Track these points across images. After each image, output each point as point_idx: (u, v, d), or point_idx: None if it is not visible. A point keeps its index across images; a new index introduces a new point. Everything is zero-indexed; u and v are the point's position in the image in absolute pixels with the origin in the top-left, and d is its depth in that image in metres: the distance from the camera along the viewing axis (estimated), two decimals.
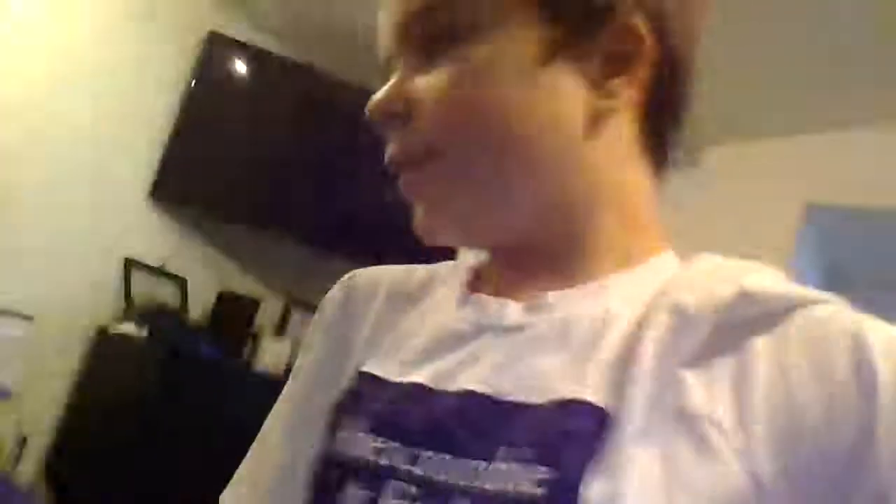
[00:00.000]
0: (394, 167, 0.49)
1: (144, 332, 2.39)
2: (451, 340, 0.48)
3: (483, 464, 0.40)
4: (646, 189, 0.50)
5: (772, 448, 0.37)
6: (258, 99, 2.77)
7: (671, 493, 0.37)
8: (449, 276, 0.55)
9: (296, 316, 2.83)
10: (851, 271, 2.72)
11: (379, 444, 0.44)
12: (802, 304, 0.41)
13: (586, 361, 0.43)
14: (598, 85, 0.46)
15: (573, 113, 0.46)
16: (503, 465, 0.40)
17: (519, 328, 0.47)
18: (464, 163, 0.47)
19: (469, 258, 0.56)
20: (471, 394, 0.44)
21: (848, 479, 0.36)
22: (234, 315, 2.68)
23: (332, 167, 2.69)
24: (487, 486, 0.40)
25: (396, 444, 0.44)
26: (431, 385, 0.46)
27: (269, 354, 2.55)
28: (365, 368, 0.50)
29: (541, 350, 0.45)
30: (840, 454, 0.36)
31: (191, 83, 2.67)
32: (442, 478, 0.41)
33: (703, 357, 0.41)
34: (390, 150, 0.49)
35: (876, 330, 0.39)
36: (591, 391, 0.41)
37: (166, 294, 2.62)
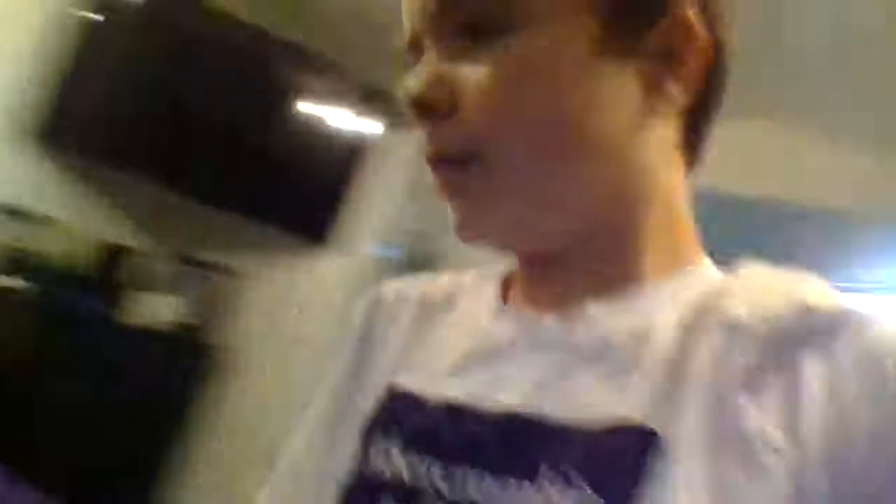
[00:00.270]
0: (432, 162, 0.45)
1: (23, 284, 2.36)
2: (488, 355, 0.47)
3: (525, 483, 0.39)
4: (685, 191, 0.48)
5: (825, 471, 0.35)
6: (150, 44, 2.62)
7: None
8: (477, 286, 0.54)
9: (184, 271, 2.76)
10: (718, 259, 2.88)
11: (414, 462, 0.43)
12: (858, 322, 0.39)
13: (632, 379, 0.41)
14: (652, 82, 0.44)
15: (626, 112, 0.44)
16: (546, 486, 0.39)
17: (559, 343, 0.45)
18: (514, 163, 0.43)
19: (488, 264, 0.55)
20: (512, 413, 0.43)
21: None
22: (119, 268, 2.59)
23: (230, 123, 2.58)
24: None
25: (432, 462, 0.43)
26: (469, 402, 0.44)
27: (156, 309, 2.49)
28: (397, 384, 0.49)
29: (583, 366, 0.43)
30: (881, 479, 0.35)
31: (77, 21, 2.49)
32: (480, 497, 0.40)
33: (756, 374, 0.39)
34: (430, 144, 0.44)
35: None
36: (639, 411, 0.39)
37: (47, 244, 2.49)
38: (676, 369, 0.40)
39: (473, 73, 0.42)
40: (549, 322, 0.45)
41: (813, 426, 0.36)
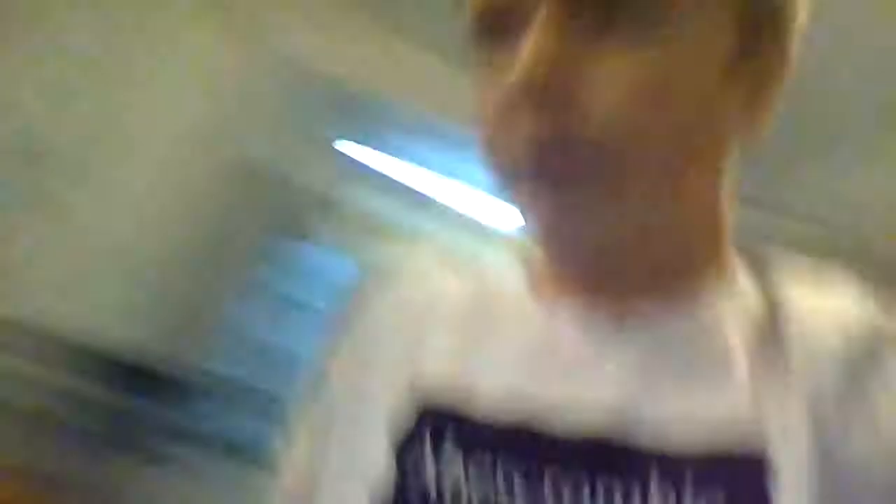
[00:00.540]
0: (535, 146, 0.39)
1: None
2: (551, 364, 0.43)
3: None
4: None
5: (886, 489, 0.36)
6: None
7: None
8: (507, 284, 0.49)
9: None
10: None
11: (479, 483, 0.40)
12: None
13: (718, 397, 0.39)
14: (748, 105, 0.42)
15: (727, 133, 0.43)
16: None
17: (628, 349, 0.42)
18: (633, 165, 0.39)
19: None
20: (603, 440, 0.39)
21: None
22: None
23: None
24: None
25: (504, 488, 0.39)
26: (539, 422, 0.41)
27: None
28: (440, 395, 0.44)
29: (662, 379, 0.41)
30: None
31: None
32: None
33: (839, 396, 0.38)
34: (536, 127, 0.38)
35: None
36: (739, 434, 0.38)
37: None
38: (768, 387, 0.39)
39: (611, 63, 0.38)
40: (612, 327, 0.43)
41: (882, 448, 0.37)
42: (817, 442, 0.37)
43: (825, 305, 0.43)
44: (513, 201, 0.43)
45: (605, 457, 0.39)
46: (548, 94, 0.37)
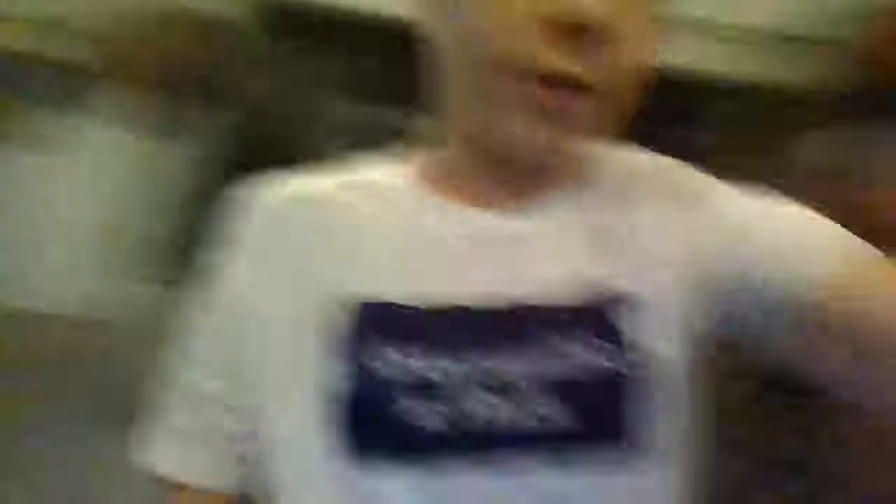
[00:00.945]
0: (561, 79, 0.46)
1: None
2: (466, 256, 0.52)
3: (554, 359, 0.47)
4: None
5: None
6: None
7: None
8: (392, 185, 0.57)
9: None
10: None
11: (435, 363, 0.47)
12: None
13: (599, 252, 0.52)
14: None
15: None
16: (573, 350, 0.47)
17: (524, 235, 0.53)
18: (621, 105, 0.50)
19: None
20: (519, 304, 0.49)
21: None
22: None
23: None
24: (569, 373, 0.47)
25: (457, 362, 0.47)
26: (469, 303, 0.49)
27: None
28: (369, 292, 0.50)
29: (557, 251, 0.52)
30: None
31: None
32: (517, 379, 0.46)
33: (653, 208, 0.54)
34: (570, 65, 0.46)
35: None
36: (612, 279, 0.50)
37: None
38: (625, 235, 0.53)
39: (641, 23, 0.47)
40: (511, 216, 0.53)
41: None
42: (674, 266, 0.52)
43: (643, 163, 0.57)
44: (490, 95, 0.49)
45: (515, 320, 0.49)
46: (594, 40, 0.45)
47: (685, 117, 1.86)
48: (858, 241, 0.50)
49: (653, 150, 0.58)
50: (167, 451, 0.56)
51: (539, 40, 0.46)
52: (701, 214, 0.53)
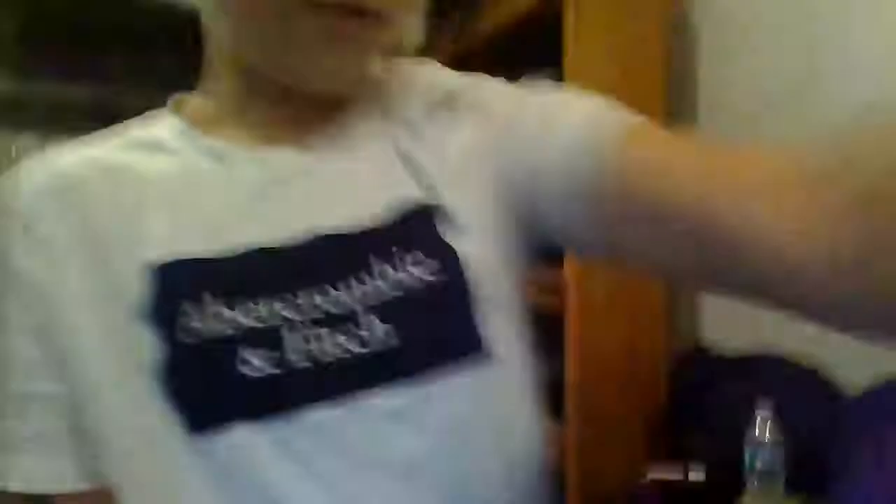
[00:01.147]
0: (346, 11, 0.46)
1: None
2: (260, 194, 0.50)
3: (367, 277, 0.46)
4: None
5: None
6: None
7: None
8: (167, 137, 0.53)
9: None
10: None
11: (251, 308, 0.45)
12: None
13: (387, 171, 0.52)
14: None
15: None
16: (386, 271, 0.47)
17: (319, 166, 0.51)
18: (397, 32, 0.51)
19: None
20: (314, 234, 0.48)
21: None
22: None
23: None
24: (383, 291, 0.46)
25: (266, 300, 0.45)
26: (269, 243, 0.47)
27: None
28: (160, 256, 0.47)
29: (345, 177, 0.51)
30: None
31: None
32: (332, 306, 0.45)
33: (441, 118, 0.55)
34: None
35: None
36: (404, 194, 0.50)
37: None
38: (406, 154, 0.52)
39: None
40: (301, 150, 0.52)
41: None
42: (435, 181, 0.51)
43: (407, 75, 0.57)
44: (292, 33, 0.47)
45: (322, 251, 0.47)
46: None
47: None
48: (621, 112, 0.50)
49: None
50: (22, 464, 0.50)
51: None
52: (488, 120, 0.54)
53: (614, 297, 1.53)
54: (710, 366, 1.55)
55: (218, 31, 0.53)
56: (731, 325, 1.55)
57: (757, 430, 1.16)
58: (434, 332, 0.47)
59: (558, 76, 1.55)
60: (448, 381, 0.46)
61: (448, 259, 0.48)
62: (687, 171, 0.43)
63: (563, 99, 0.53)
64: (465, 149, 0.53)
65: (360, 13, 0.47)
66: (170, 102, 0.57)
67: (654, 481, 1.33)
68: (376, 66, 0.52)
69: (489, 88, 0.57)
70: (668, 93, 1.66)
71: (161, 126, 0.55)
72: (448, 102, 0.55)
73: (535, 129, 0.51)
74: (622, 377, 1.53)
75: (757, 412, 1.17)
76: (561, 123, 0.50)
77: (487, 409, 0.48)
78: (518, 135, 0.52)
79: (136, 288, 0.46)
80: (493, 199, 0.52)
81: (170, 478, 0.45)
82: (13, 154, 2.44)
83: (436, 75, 0.58)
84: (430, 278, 0.47)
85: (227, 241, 0.47)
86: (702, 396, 1.48)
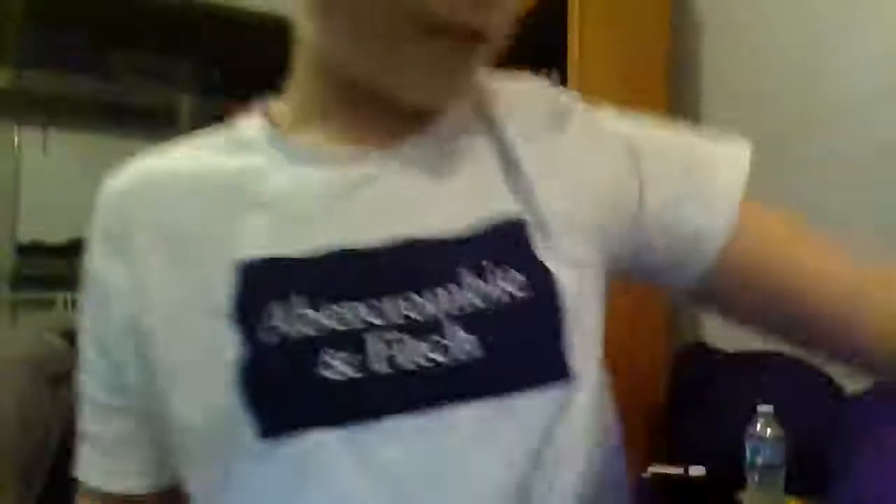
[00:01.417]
0: (462, 34, 0.47)
1: None
2: (345, 195, 0.49)
3: (453, 288, 0.46)
4: None
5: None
6: None
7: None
8: (255, 138, 0.54)
9: None
10: None
11: (336, 310, 0.45)
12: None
13: (486, 182, 0.51)
14: None
15: None
16: (477, 284, 0.46)
17: (410, 171, 0.50)
18: (492, 56, 0.51)
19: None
20: (406, 238, 0.47)
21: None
22: None
23: None
24: (472, 303, 0.45)
25: (353, 305, 0.45)
26: (353, 245, 0.47)
27: None
28: (251, 256, 0.47)
29: (440, 184, 0.50)
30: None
31: None
32: (418, 314, 0.45)
33: (548, 144, 0.54)
34: (473, 19, 0.46)
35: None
36: (502, 208, 0.50)
37: None
38: (511, 164, 0.52)
39: None
40: (387, 154, 0.51)
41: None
42: (539, 201, 0.50)
43: (519, 91, 0.57)
44: (397, 50, 0.47)
45: (407, 255, 0.47)
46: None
47: None
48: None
49: None
50: (91, 462, 0.54)
51: None
52: (598, 143, 0.55)
53: (616, 293, 1.53)
54: (712, 362, 1.55)
55: (317, 42, 0.52)
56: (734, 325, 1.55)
57: (758, 426, 1.16)
58: (519, 348, 0.46)
59: (561, 73, 1.55)
60: (530, 397, 0.45)
61: (539, 276, 0.47)
62: (829, 279, 0.52)
63: (704, 155, 0.56)
64: (576, 168, 0.53)
65: (472, 37, 0.47)
66: (257, 106, 0.57)
67: (654, 476, 1.34)
68: (475, 80, 0.54)
69: (605, 112, 0.58)
70: (671, 89, 1.66)
71: (248, 128, 0.55)
72: (563, 119, 0.55)
73: (675, 177, 0.54)
74: (623, 373, 1.53)
75: (758, 408, 1.17)
76: (703, 184, 0.53)
77: (566, 427, 0.46)
78: (649, 175, 0.53)
79: (222, 287, 0.46)
80: (597, 225, 0.52)
81: (239, 479, 0.45)
82: (15, 145, 2.44)
83: (547, 91, 0.58)
84: (520, 294, 0.46)
85: (312, 241, 0.47)
86: (703, 392, 1.48)
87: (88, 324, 0.52)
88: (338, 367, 0.43)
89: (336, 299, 0.45)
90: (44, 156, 2.48)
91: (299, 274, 0.46)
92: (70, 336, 2.20)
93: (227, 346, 0.44)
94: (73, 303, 2.37)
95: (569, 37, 1.51)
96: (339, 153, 0.51)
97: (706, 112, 1.71)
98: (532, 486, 0.44)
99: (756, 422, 1.16)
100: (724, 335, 1.57)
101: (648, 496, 1.33)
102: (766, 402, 1.17)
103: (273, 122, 0.55)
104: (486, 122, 0.54)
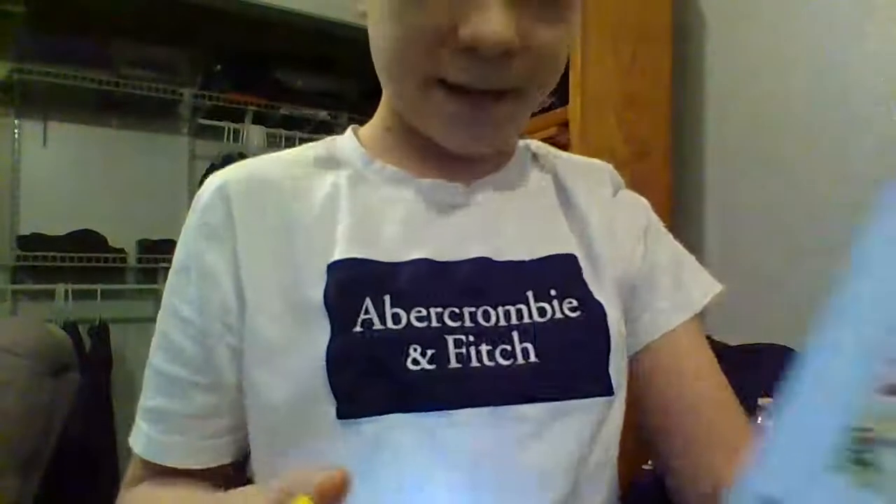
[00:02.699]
0: (478, 91, 0.51)
1: None
2: (429, 219, 0.56)
3: (521, 305, 0.53)
4: None
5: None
6: None
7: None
8: (349, 158, 0.60)
9: None
10: None
11: (423, 313, 0.51)
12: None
13: (550, 221, 0.60)
14: None
15: None
16: (540, 303, 0.53)
17: (482, 202, 0.59)
18: (535, 102, 0.55)
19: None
20: (483, 259, 0.55)
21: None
22: None
23: None
24: (536, 319, 0.53)
25: (436, 309, 0.51)
26: (443, 257, 0.54)
27: None
28: (348, 259, 0.52)
29: (510, 217, 0.58)
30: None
31: None
32: (490, 323, 0.52)
33: (605, 214, 0.63)
34: (486, 77, 0.50)
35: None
36: (563, 244, 0.58)
37: None
38: (568, 210, 0.62)
39: (547, 36, 0.50)
40: (473, 188, 0.59)
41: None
42: (594, 245, 0.60)
43: (582, 160, 0.68)
44: (406, 100, 0.55)
45: (483, 272, 0.54)
46: (503, 57, 0.49)
47: None
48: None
49: None
50: (155, 438, 0.56)
51: (447, 53, 0.49)
52: (637, 220, 0.65)
53: None
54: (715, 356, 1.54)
55: (384, 88, 0.58)
56: (735, 320, 1.55)
57: (759, 420, 1.16)
58: (571, 359, 0.52)
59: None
60: (577, 404, 0.52)
61: (590, 303, 0.55)
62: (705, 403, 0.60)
63: (686, 272, 0.64)
64: (620, 227, 0.62)
65: (498, 95, 0.51)
66: (349, 129, 0.64)
67: (654, 470, 1.34)
68: (514, 137, 0.63)
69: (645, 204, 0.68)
70: (675, 86, 1.65)
71: (343, 147, 0.61)
72: (615, 188, 0.66)
73: (666, 279, 0.62)
74: None
75: (759, 401, 1.17)
76: (679, 290, 0.62)
77: (604, 435, 0.54)
78: (651, 265, 0.62)
79: (319, 281, 0.51)
80: (623, 273, 0.61)
81: (314, 456, 0.49)
82: (15, 137, 2.44)
83: (603, 164, 0.68)
84: (573, 315, 0.54)
85: (402, 251, 0.54)
86: None
87: (179, 304, 0.55)
88: (420, 361, 0.49)
89: (424, 304, 0.51)
90: (44, 147, 2.48)
91: (391, 277, 0.52)
92: (71, 327, 2.21)
93: (320, 333, 0.49)
94: (73, 294, 2.38)
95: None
96: (424, 181, 0.58)
97: (709, 108, 1.70)
98: (569, 480, 0.51)
99: (758, 415, 1.16)
100: (726, 329, 1.57)
101: (647, 490, 1.33)
102: (767, 395, 1.17)
103: (362, 144, 0.61)
104: (549, 173, 0.64)
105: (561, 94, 1.54)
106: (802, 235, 1.47)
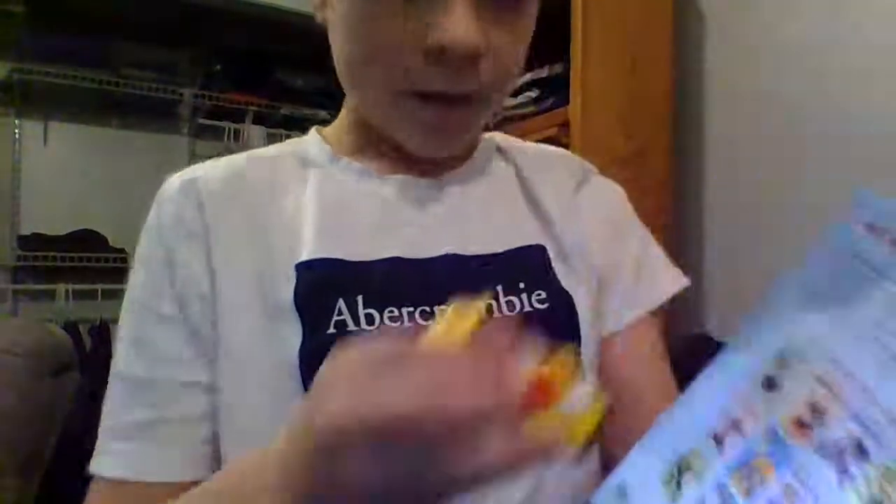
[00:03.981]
0: (441, 97, 0.51)
1: None
2: (398, 215, 0.57)
3: (493, 302, 0.53)
4: None
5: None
6: None
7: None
8: (316, 155, 0.60)
9: None
10: None
11: (394, 313, 0.50)
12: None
13: (516, 213, 0.61)
14: None
15: None
16: (509, 297, 0.54)
17: (450, 197, 0.59)
18: (497, 105, 0.57)
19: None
20: (453, 255, 0.55)
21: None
22: None
23: None
24: (505, 313, 0.53)
25: (408, 309, 0.51)
26: (409, 256, 0.54)
27: None
28: (320, 256, 0.52)
29: (478, 211, 0.59)
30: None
31: None
32: None
33: (567, 201, 0.64)
34: (453, 84, 0.51)
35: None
36: (530, 235, 0.59)
37: None
38: (533, 201, 0.62)
39: (507, 38, 0.51)
40: (440, 183, 0.60)
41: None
42: (560, 237, 0.60)
43: (548, 151, 0.69)
44: (376, 110, 0.55)
45: (453, 269, 0.54)
46: (472, 61, 0.49)
47: None
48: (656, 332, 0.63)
49: None
50: (136, 454, 0.52)
51: (415, 63, 0.49)
52: (603, 211, 0.65)
53: None
54: (714, 352, 1.54)
55: (348, 92, 0.58)
56: (735, 320, 1.55)
57: None
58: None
59: (565, 66, 1.54)
60: None
61: (560, 295, 0.56)
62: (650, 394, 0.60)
63: (656, 264, 0.66)
64: (585, 218, 0.63)
65: (464, 100, 0.52)
66: (313, 129, 0.64)
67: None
68: (476, 137, 0.64)
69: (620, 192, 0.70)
70: (675, 86, 1.65)
71: (309, 146, 0.62)
72: (584, 178, 0.67)
73: (627, 274, 0.63)
74: None
75: None
76: (643, 290, 0.63)
77: None
78: (614, 259, 0.63)
79: (288, 282, 0.51)
80: (589, 263, 0.61)
81: None
82: (16, 137, 2.44)
83: (572, 157, 0.69)
84: (541, 307, 0.55)
85: (373, 249, 0.53)
86: None
87: (158, 303, 0.53)
88: None
89: (396, 303, 0.51)
90: (44, 147, 2.48)
91: (364, 277, 0.52)
92: (71, 327, 2.21)
93: (291, 334, 0.49)
94: (74, 294, 2.38)
95: (573, 31, 1.51)
96: (390, 175, 0.58)
97: (711, 107, 1.70)
98: (543, 477, 0.51)
99: None
100: (727, 325, 1.57)
101: None
102: None
103: (328, 143, 0.61)
104: (512, 166, 0.65)
105: (561, 94, 1.54)
106: (802, 235, 1.47)
